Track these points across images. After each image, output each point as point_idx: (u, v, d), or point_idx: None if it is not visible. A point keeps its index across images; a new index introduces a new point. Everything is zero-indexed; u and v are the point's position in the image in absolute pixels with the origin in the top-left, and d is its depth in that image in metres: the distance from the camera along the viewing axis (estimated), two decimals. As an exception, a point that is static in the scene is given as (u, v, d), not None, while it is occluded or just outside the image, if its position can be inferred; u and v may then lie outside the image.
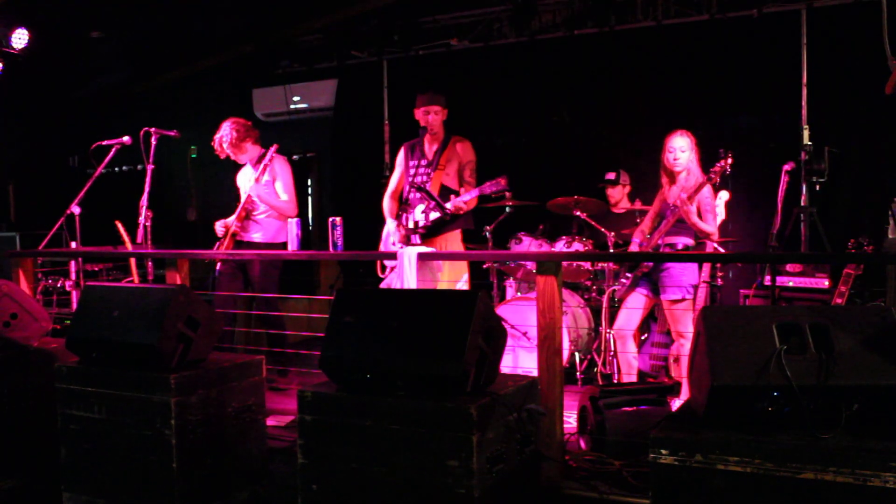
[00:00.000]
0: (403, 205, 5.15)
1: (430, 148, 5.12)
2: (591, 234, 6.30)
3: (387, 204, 5.28)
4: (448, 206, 4.82)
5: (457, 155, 5.07)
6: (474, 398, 2.82)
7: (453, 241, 5.12)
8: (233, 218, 5.42)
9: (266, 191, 5.35)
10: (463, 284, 5.02)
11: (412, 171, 5.13)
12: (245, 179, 5.55)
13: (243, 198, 5.46)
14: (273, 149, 5.36)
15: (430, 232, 4.96)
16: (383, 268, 5.01)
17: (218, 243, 5.47)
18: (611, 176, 6.51)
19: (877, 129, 6.27)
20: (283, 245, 5.45)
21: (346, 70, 8.68)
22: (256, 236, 5.43)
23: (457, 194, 4.97)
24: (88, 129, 9.64)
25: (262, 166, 5.28)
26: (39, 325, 4.13)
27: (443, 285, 4.83)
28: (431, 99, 5.08)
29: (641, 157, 6.85)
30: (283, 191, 5.39)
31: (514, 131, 7.84)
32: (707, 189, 4.62)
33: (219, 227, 5.48)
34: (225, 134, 5.39)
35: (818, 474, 2.29)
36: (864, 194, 6.41)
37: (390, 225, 5.14)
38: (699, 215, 4.60)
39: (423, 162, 5.08)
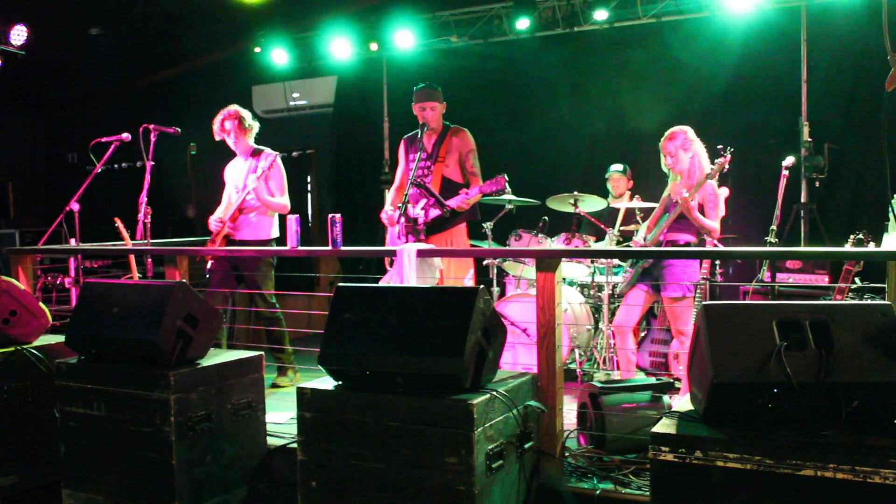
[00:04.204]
0: (404, 201, 5.14)
1: (429, 141, 5.12)
2: (591, 231, 6.29)
3: (391, 198, 5.30)
4: (451, 203, 4.80)
5: (455, 145, 5.07)
6: (474, 395, 2.82)
7: (458, 235, 5.10)
8: (226, 217, 5.38)
9: (264, 188, 5.33)
10: (469, 280, 5.00)
11: (412, 166, 5.12)
12: (235, 172, 5.50)
13: (234, 194, 5.42)
14: (276, 155, 5.35)
15: (434, 228, 4.95)
16: (391, 262, 5.00)
17: (209, 242, 5.43)
18: (618, 167, 6.56)
19: (876, 125, 6.26)
20: (273, 242, 5.45)
21: (346, 67, 8.67)
22: (248, 234, 5.39)
23: (458, 186, 4.95)
24: (87, 126, 9.65)
25: (261, 170, 5.24)
26: (39, 323, 4.12)
27: (449, 282, 4.82)
28: (427, 94, 5.07)
29: (641, 154, 6.85)
30: (278, 190, 5.38)
31: (514, 128, 7.82)
32: (712, 185, 4.59)
33: (213, 223, 5.44)
34: (232, 111, 5.34)
35: (818, 471, 2.29)
36: (864, 191, 6.40)
37: (387, 209, 5.16)
38: (702, 211, 4.56)
39: (423, 155, 5.06)
